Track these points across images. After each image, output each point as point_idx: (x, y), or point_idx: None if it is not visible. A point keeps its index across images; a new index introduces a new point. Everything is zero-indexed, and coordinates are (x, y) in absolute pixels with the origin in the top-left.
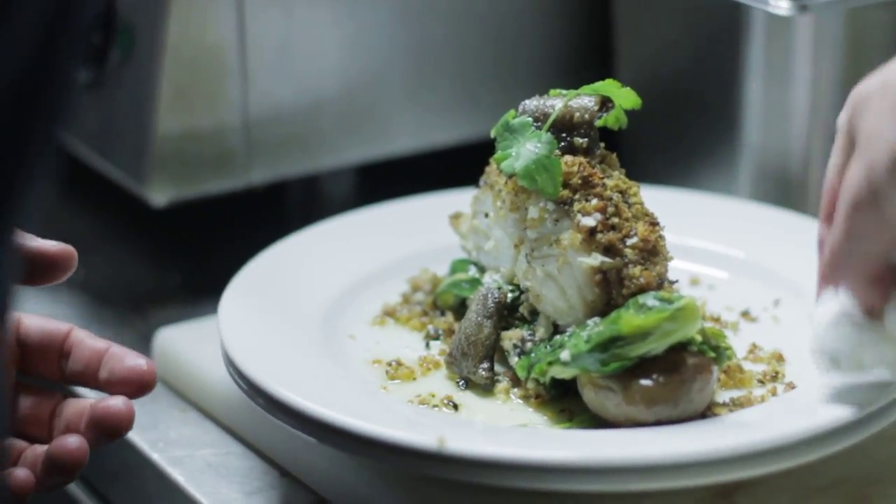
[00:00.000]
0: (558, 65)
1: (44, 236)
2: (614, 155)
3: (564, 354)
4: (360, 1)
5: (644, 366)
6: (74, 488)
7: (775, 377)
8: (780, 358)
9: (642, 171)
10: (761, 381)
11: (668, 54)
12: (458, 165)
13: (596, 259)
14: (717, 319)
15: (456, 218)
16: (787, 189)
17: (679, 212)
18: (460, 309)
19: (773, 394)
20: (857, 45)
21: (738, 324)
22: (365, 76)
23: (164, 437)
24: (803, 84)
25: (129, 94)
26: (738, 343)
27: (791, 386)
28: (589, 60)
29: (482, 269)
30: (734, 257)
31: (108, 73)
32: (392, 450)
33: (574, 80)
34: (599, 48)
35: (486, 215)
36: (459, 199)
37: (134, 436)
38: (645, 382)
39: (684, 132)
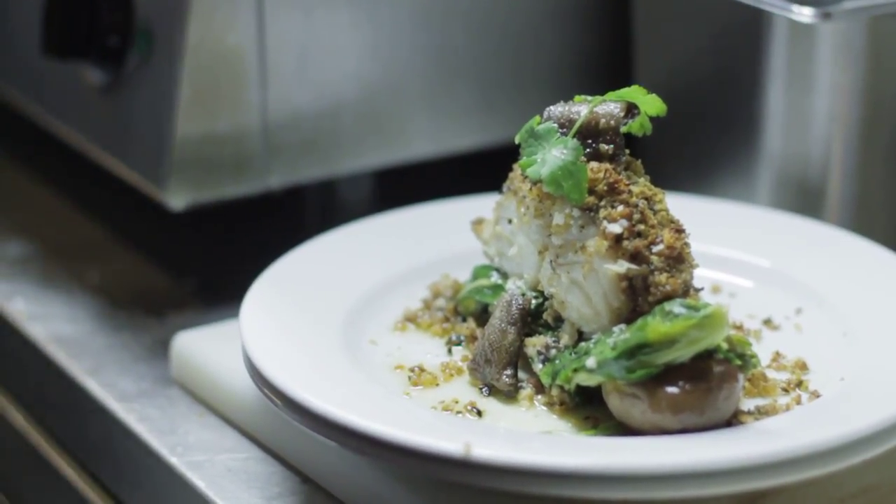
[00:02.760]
0: (577, 71)
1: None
2: (639, 162)
3: (590, 361)
4: (380, 6)
5: (670, 373)
6: (92, 494)
7: (799, 385)
8: (803, 366)
9: (661, 177)
10: (785, 390)
11: (687, 61)
12: (475, 171)
13: (622, 266)
14: (739, 327)
15: (478, 224)
16: (806, 197)
17: (700, 219)
18: (482, 315)
19: (798, 402)
20: (878, 52)
21: (760, 332)
22: (384, 81)
23: (182, 442)
24: (824, 92)
25: (147, 98)
26: (760, 351)
27: (816, 395)
28: (608, 67)
29: (504, 275)
30: (756, 265)
31: (126, 75)
32: (417, 456)
33: (593, 87)
34: (619, 55)
35: (510, 221)
36: (481, 205)
37: (153, 440)
38: (671, 390)
39: (704, 139)
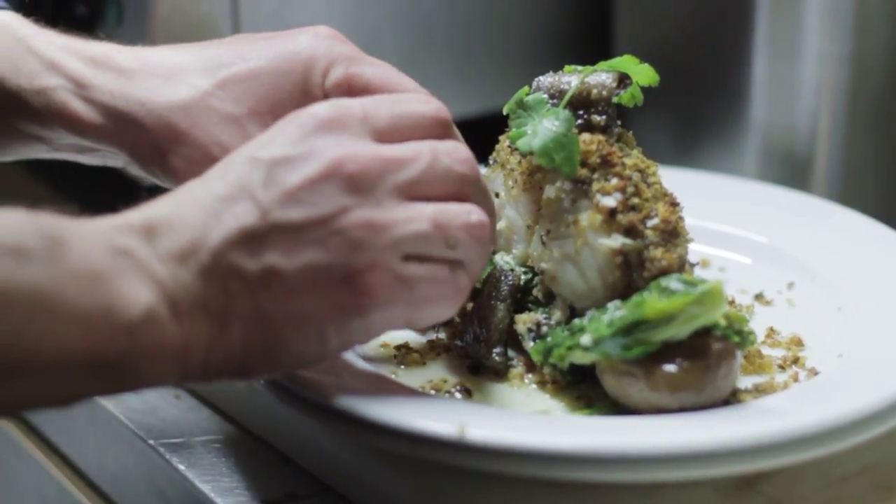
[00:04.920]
0: (553, 41)
1: None
2: (630, 133)
3: (585, 339)
4: None
5: (668, 351)
6: (67, 482)
7: (796, 362)
8: (798, 342)
9: (645, 149)
10: (781, 367)
11: (670, 29)
12: None
13: (616, 240)
14: (731, 303)
15: None
16: (793, 167)
17: (688, 192)
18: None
19: (796, 380)
20: (866, 21)
21: (752, 307)
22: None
23: (160, 424)
24: (811, 61)
25: None
26: (754, 327)
27: (813, 372)
28: (585, 36)
29: (493, 251)
30: (745, 239)
31: None
32: (409, 438)
33: (569, 56)
34: (598, 23)
35: (497, 195)
36: None
37: (129, 422)
38: (669, 368)
39: (688, 110)
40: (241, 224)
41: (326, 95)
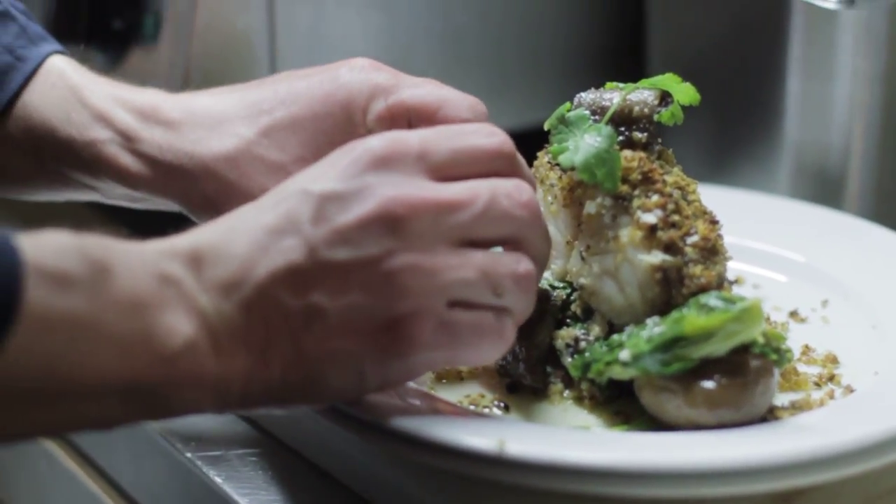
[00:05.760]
0: (586, 56)
1: None
2: (671, 151)
3: (624, 354)
4: None
5: (706, 368)
6: (103, 494)
7: (831, 380)
8: (834, 360)
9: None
10: (817, 384)
11: (704, 48)
12: None
13: (657, 257)
14: (766, 320)
15: None
16: (826, 185)
17: (722, 209)
18: None
19: (832, 397)
20: None
21: (787, 324)
22: (393, 65)
23: (196, 437)
24: (845, 79)
25: (153, 83)
26: (789, 344)
27: (849, 389)
28: (618, 52)
29: None
30: (779, 256)
31: (131, 59)
32: (448, 453)
33: (602, 73)
34: (630, 39)
35: None
36: None
37: (167, 435)
38: (707, 385)
39: (722, 127)
40: (288, 261)
41: (371, 131)
